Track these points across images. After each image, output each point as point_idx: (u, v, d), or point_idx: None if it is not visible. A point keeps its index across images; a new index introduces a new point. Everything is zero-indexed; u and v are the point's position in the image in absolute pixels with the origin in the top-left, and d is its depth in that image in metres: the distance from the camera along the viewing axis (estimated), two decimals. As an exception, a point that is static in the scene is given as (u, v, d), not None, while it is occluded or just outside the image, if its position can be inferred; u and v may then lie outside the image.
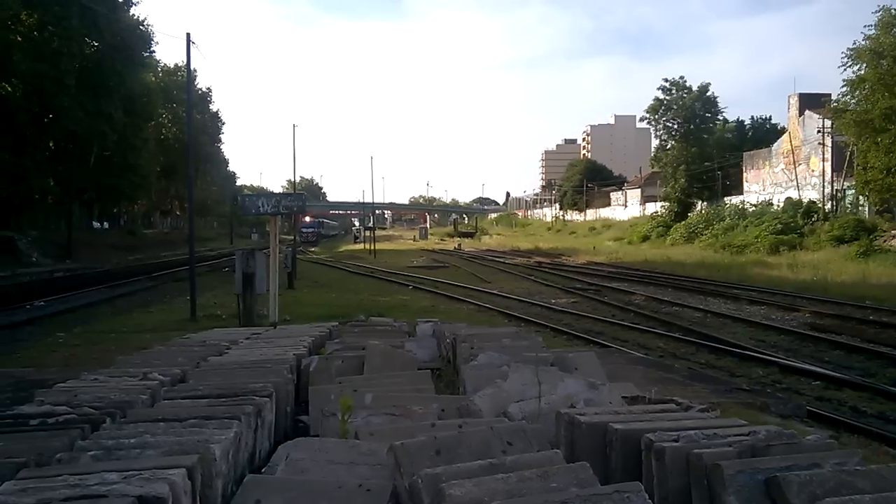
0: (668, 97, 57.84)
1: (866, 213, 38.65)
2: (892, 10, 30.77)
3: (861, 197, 38.08)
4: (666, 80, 58.19)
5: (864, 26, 31.75)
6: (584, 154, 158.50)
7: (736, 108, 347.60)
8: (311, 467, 3.82)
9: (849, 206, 40.78)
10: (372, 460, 3.92)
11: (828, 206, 41.39)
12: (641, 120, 64.14)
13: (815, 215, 40.74)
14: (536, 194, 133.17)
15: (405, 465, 3.57)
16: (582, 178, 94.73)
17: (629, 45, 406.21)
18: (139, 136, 49.23)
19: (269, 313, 11.20)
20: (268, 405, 4.90)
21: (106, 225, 64.56)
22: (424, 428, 4.31)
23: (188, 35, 17.21)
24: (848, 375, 10.66)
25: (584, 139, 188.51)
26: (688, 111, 57.16)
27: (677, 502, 3.62)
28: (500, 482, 3.26)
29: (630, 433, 4.01)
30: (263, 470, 4.04)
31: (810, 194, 43.73)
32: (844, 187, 40.87)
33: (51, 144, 41.19)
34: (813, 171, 44.17)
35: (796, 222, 40.63)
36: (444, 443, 3.80)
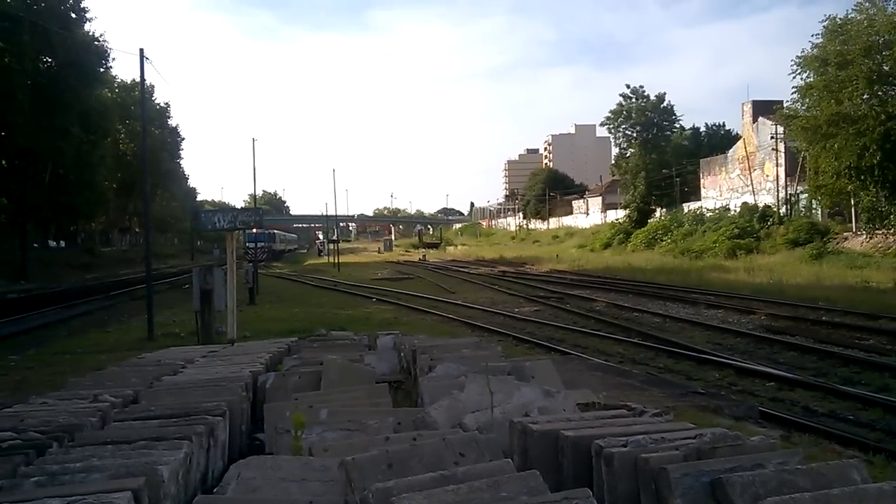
0: (628, 105, 58.80)
1: (819, 216, 39.68)
2: (838, 19, 31.78)
3: (813, 201, 39.05)
4: (627, 87, 59.29)
5: (812, 35, 32.78)
6: (545, 163, 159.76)
7: (694, 115, 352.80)
8: (262, 485, 3.80)
9: (802, 209, 41.80)
10: (325, 476, 3.91)
11: (782, 210, 42.37)
12: (602, 125, 65.03)
13: (771, 219, 41.65)
14: (500, 204, 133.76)
15: (356, 480, 3.57)
16: (544, 186, 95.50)
17: (591, 55, 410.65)
18: (95, 153, 48.27)
19: (227, 330, 11.08)
20: (221, 424, 4.86)
21: (63, 244, 63.15)
22: (379, 442, 4.32)
23: (141, 50, 17.08)
24: (801, 376, 10.90)
25: (545, 148, 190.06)
26: (646, 119, 58.17)
27: (627, 507, 3.68)
28: (450, 493, 3.28)
29: (580, 440, 4.07)
30: (215, 490, 4.01)
31: (765, 199, 44.73)
32: (798, 191, 41.89)
33: (3, 162, 40.20)
34: (767, 176, 45.21)
35: (752, 227, 41.50)
36: (396, 456, 3.81)
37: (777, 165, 43.48)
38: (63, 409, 5.22)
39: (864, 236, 33.10)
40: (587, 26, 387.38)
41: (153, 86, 66.23)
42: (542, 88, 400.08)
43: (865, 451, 6.60)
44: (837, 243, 34.14)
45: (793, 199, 42.48)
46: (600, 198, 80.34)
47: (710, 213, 48.58)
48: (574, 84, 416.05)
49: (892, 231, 31.32)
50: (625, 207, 61.68)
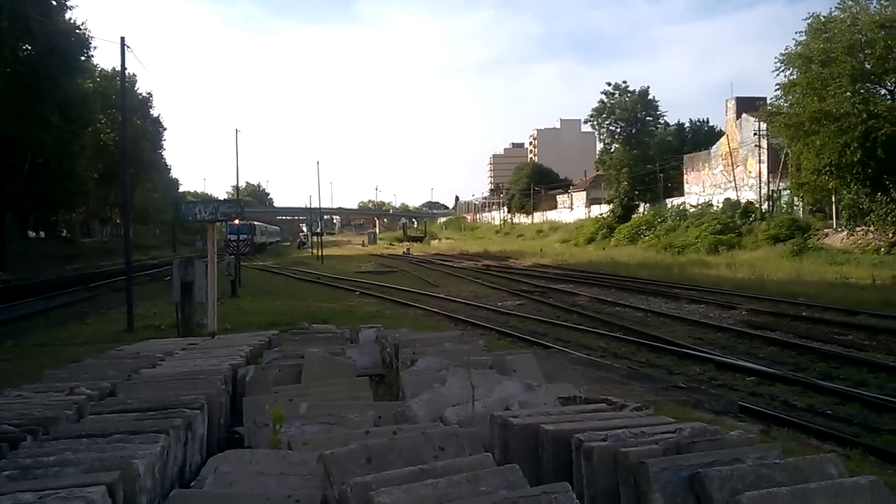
0: (611, 101, 58.91)
1: (800, 212, 40.04)
2: (821, 17, 32.04)
3: (795, 197, 39.41)
4: (609, 84, 59.36)
5: (796, 32, 33.05)
6: (531, 158, 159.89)
7: (678, 111, 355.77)
8: (239, 479, 3.75)
9: (784, 206, 42.16)
10: (303, 470, 3.87)
11: (764, 206, 42.70)
12: (586, 122, 65.08)
13: (753, 215, 41.98)
14: (485, 198, 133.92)
15: (335, 474, 3.54)
16: (529, 181, 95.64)
17: (578, 50, 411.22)
18: (76, 142, 47.57)
19: (208, 322, 10.99)
20: (199, 417, 4.81)
21: (42, 234, 62.42)
22: (358, 436, 4.29)
23: (122, 38, 16.81)
24: (780, 371, 10.99)
25: (530, 143, 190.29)
26: (630, 114, 58.33)
27: (606, 501, 3.68)
28: (429, 488, 3.26)
29: (560, 434, 4.06)
30: (192, 484, 3.97)
31: (748, 195, 45.06)
32: (780, 188, 42.25)
33: (-21, 151, 39.61)
34: (750, 172, 45.54)
35: (735, 222, 41.82)
36: (375, 450, 3.78)
37: (759, 162, 43.83)
38: (38, 401, 5.14)
39: (845, 233, 33.47)
40: (574, 21, 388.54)
41: (135, 75, 65.48)
42: (528, 83, 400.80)
43: (843, 446, 6.68)
44: (818, 240, 34.47)
45: (775, 195, 42.83)
46: (584, 193, 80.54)
47: (693, 209, 48.88)
48: (560, 79, 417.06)
49: (871, 228, 31.68)
50: (608, 202, 61.89)
